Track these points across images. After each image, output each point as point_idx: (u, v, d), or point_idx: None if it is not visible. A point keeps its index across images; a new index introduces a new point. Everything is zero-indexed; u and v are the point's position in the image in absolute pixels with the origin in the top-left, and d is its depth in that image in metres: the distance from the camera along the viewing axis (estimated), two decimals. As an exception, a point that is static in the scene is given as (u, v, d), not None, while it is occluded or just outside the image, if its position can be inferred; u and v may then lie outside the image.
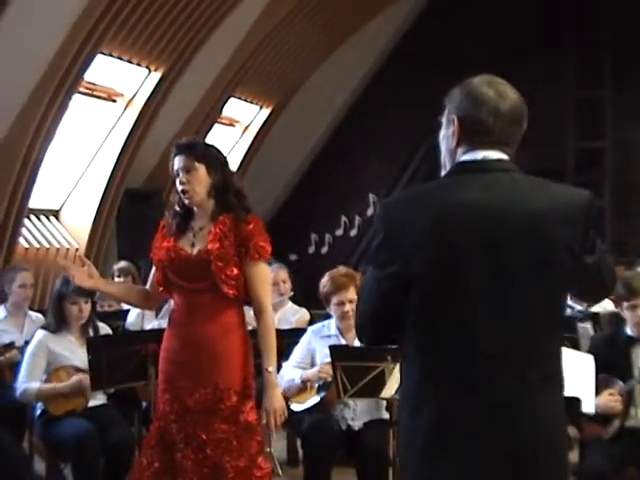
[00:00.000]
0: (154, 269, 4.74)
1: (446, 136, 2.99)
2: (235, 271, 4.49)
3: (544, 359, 2.87)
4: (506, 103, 2.89)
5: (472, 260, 2.78)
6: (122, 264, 8.80)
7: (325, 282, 6.17)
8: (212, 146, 4.69)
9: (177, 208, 4.64)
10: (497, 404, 2.80)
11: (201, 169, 4.51)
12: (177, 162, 4.55)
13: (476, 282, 2.78)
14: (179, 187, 4.54)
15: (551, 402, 2.88)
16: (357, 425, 6.00)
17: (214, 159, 4.58)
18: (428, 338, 2.86)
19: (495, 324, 2.79)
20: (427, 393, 2.87)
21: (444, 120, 3.00)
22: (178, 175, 4.54)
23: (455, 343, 2.82)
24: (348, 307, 6.01)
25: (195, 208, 4.59)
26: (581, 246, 2.86)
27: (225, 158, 4.70)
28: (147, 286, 4.85)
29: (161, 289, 4.68)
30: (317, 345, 6.10)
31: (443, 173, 3.01)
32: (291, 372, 6.06)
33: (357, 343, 6.06)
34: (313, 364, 6.11)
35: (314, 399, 6.00)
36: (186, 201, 4.55)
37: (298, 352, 6.18)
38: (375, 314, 2.96)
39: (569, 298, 7.39)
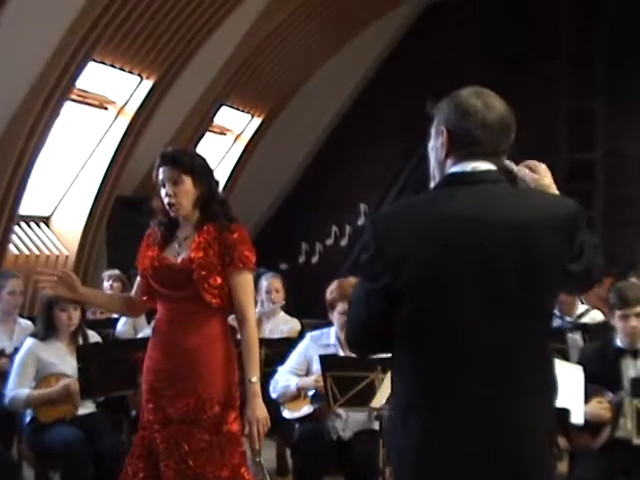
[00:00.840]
0: (139, 278, 4.73)
1: (435, 147, 3.01)
2: (219, 280, 4.47)
3: (532, 371, 2.86)
4: (493, 114, 2.91)
5: (460, 273, 2.79)
6: (112, 271, 8.80)
7: (333, 289, 6.11)
8: (198, 156, 4.64)
9: (161, 217, 4.62)
10: (483, 419, 2.81)
11: (188, 181, 4.48)
12: (162, 173, 4.51)
13: (464, 295, 2.79)
14: (165, 199, 4.51)
15: (540, 415, 2.88)
16: (347, 435, 5.99)
17: (200, 170, 4.55)
18: (416, 352, 2.87)
19: (482, 337, 2.80)
20: (415, 408, 2.87)
21: (433, 131, 3.02)
22: (163, 186, 4.51)
23: (442, 358, 2.82)
24: None
25: (180, 218, 4.58)
26: (568, 255, 2.87)
27: (210, 167, 4.67)
28: (132, 293, 4.84)
29: (145, 298, 4.67)
30: (314, 353, 6.03)
31: (432, 184, 3.03)
32: (286, 378, 6.03)
33: (356, 354, 6.04)
34: (309, 370, 6.08)
35: (307, 409, 5.97)
36: (172, 213, 4.53)
37: (294, 357, 6.15)
38: (367, 328, 2.96)
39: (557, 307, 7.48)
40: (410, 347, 2.88)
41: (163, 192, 4.52)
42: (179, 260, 4.51)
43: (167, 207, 4.52)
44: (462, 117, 2.92)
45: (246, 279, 4.56)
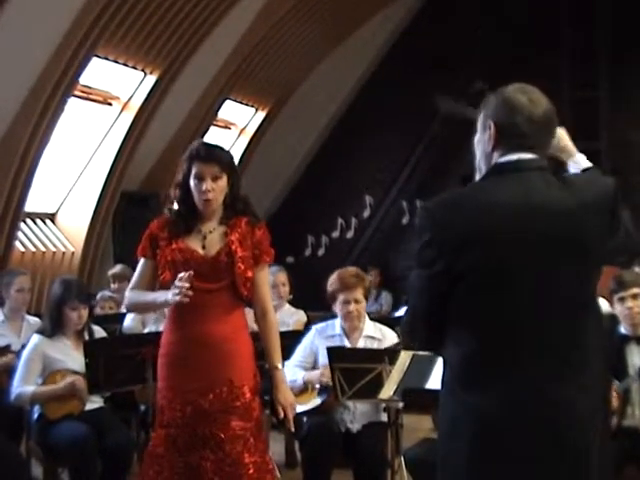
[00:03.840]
0: (142, 269, 4.70)
1: (482, 140, 3.15)
2: (250, 273, 4.60)
3: (584, 351, 2.98)
4: (539, 110, 3.08)
5: (513, 257, 2.95)
6: (116, 269, 8.78)
7: (333, 280, 6.13)
8: (230, 153, 4.72)
9: (180, 208, 4.65)
10: (536, 399, 2.92)
11: (224, 178, 4.56)
12: (200, 167, 4.53)
13: (517, 278, 2.95)
14: (202, 195, 4.52)
15: (591, 394, 2.97)
16: (355, 428, 5.99)
17: (234, 169, 4.66)
18: (469, 332, 3.00)
19: (536, 318, 2.95)
20: (468, 386, 3.00)
21: (479, 125, 3.17)
22: (201, 179, 4.52)
23: (497, 337, 2.97)
24: (353, 307, 6.00)
25: (202, 211, 4.61)
26: (610, 234, 3.04)
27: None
28: (134, 286, 4.75)
29: (164, 288, 4.60)
30: (320, 344, 6.04)
31: (478, 176, 3.18)
32: (293, 372, 6.02)
33: (361, 344, 6.05)
34: (316, 363, 6.08)
35: (315, 401, 5.98)
36: (202, 207, 4.56)
37: (300, 351, 6.16)
38: (427, 314, 3.10)
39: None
40: (462, 329, 3.02)
41: (199, 186, 4.52)
42: (213, 253, 4.57)
43: (203, 201, 4.54)
44: (510, 112, 3.07)
45: (267, 272, 4.83)
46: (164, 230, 4.64)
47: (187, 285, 4.36)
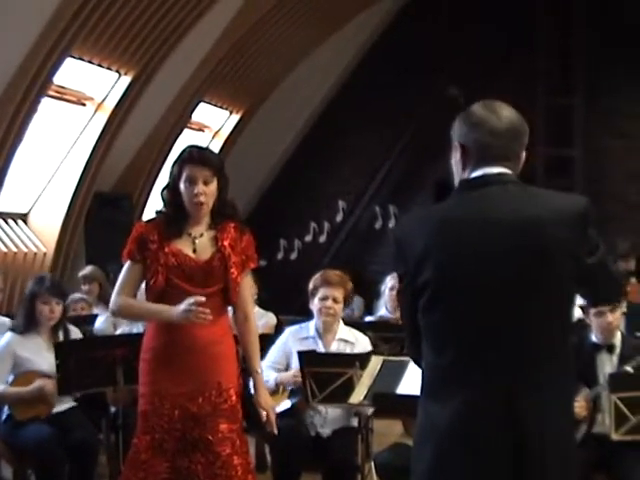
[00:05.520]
0: (129, 273, 4.62)
1: (455, 162, 3.18)
2: (239, 279, 4.65)
3: (542, 362, 2.98)
4: (502, 122, 3.09)
5: (468, 271, 2.98)
6: (87, 271, 8.72)
7: (316, 276, 6.15)
8: (221, 158, 4.77)
9: (170, 211, 4.63)
10: (493, 408, 2.94)
11: (215, 182, 4.57)
12: (193, 170, 4.52)
13: (469, 291, 2.98)
14: (195, 198, 4.52)
15: (553, 402, 2.97)
16: (326, 432, 5.98)
17: (224, 173, 4.65)
18: (429, 345, 3.08)
19: (489, 330, 2.97)
20: (428, 395, 3.07)
21: (453, 147, 3.20)
22: (192, 183, 4.51)
23: (452, 349, 3.00)
24: (331, 303, 5.99)
25: (192, 215, 4.60)
26: (581, 249, 2.99)
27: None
28: (122, 291, 4.63)
29: (156, 292, 4.57)
30: (294, 347, 6.02)
31: None
32: (266, 373, 5.98)
33: (334, 347, 6.05)
34: (288, 365, 6.07)
35: (285, 404, 5.97)
36: (193, 210, 4.56)
37: (274, 352, 6.13)
38: (406, 326, 3.21)
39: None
40: (425, 345, 3.09)
41: (191, 189, 4.52)
42: (205, 258, 4.58)
43: (195, 205, 4.54)
44: (471, 127, 3.11)
45: (250, 278, 4.97)
46: (154, 233, 4.59)
47: (208, 311, 4.41)
